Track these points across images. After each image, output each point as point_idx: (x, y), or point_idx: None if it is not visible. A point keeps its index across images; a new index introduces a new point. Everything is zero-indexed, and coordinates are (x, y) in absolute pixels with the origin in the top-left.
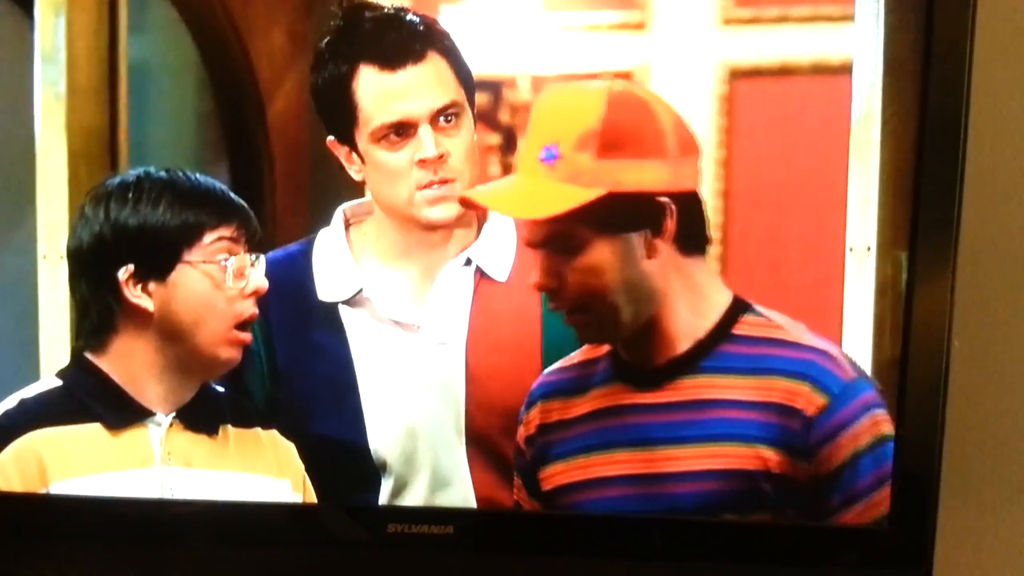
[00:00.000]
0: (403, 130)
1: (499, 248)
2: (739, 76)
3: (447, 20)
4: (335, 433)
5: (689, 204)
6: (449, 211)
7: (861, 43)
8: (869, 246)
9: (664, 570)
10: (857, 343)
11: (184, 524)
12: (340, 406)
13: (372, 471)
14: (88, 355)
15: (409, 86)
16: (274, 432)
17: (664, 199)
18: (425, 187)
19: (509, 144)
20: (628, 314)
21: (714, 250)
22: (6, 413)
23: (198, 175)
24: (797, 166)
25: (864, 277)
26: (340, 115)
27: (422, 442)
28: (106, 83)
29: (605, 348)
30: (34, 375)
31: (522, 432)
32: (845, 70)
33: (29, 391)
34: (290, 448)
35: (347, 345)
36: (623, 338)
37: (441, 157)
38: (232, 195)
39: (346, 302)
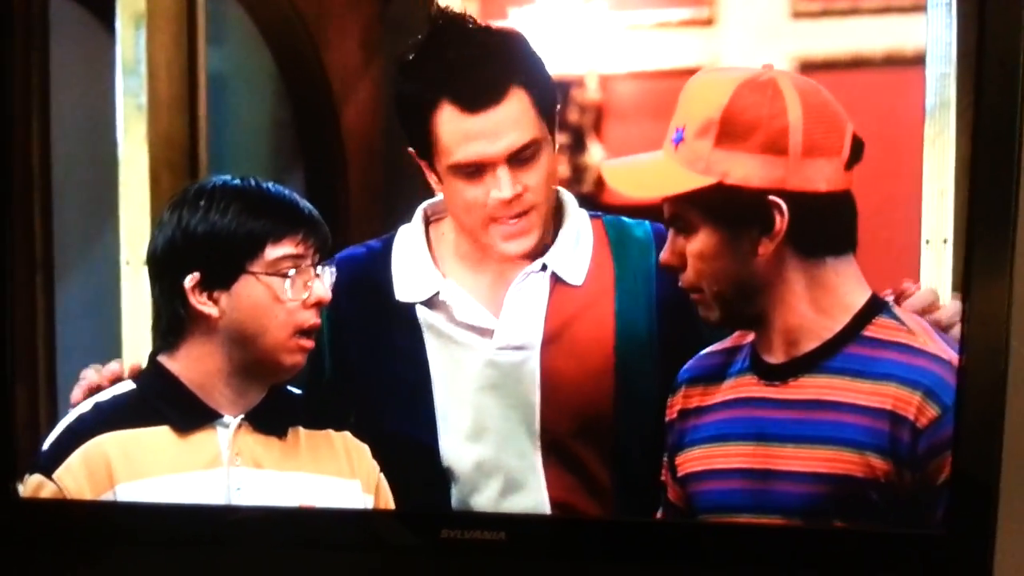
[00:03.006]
0: (481, 169)
1: (575, 252)
2: (811, 69)
3: (519, 23)
4: (406, 434)
5: (815, 205)
6: (524, 245)
7: (933, 33)
8: (946, 238)
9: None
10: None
11: (240, 528)
12: (412, 407)
13: (440, 474)
14: (161, 358)
15: (488, 129)
16: (347, 434)
17: (774, 198)
18: (500, 222)
19: (578, 144)
20: (738, 304)
21: None
22: (80, 416)
23: (271, 185)
24: (871, 158)
25: (941, 270)
26: (420, 138)
27: (495, 447)
28: (186, 94)
29: (750, 336)
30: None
31: (667, 415)
32: (918, 61)
33: (105, 394)
34: (363, 449)
35: (423, 346)
36: (746, 328)
37: (518, 196)
38: (302, 206)
39: (423, 303)
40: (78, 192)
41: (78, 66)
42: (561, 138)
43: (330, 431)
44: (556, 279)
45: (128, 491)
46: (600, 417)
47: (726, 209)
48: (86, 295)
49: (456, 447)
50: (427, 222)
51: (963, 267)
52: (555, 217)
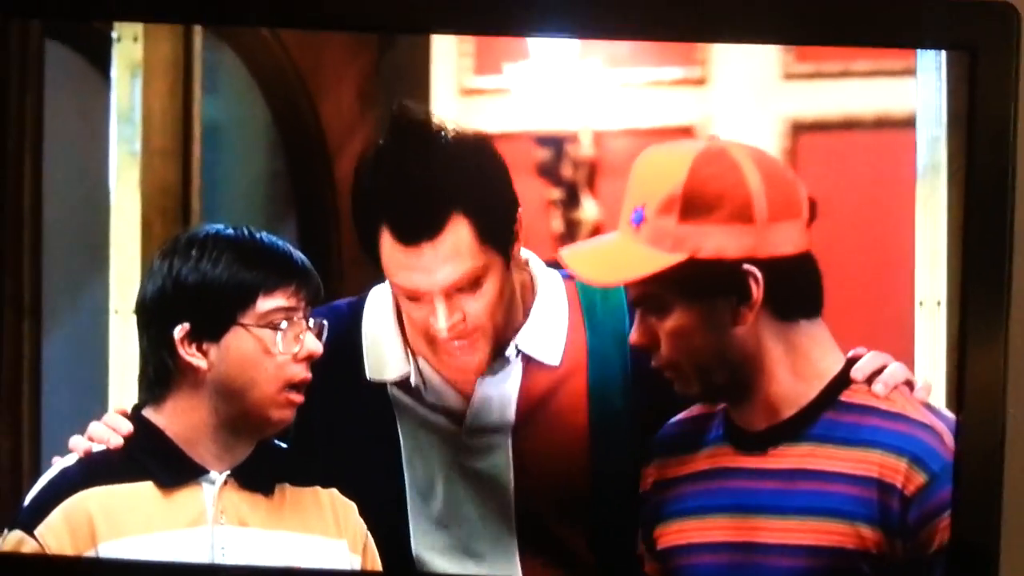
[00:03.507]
0: (418, 296)
1: (549, 332)
2: (802, 130)
3: (509, 78)
4: (373, 517)
5: (785, 269)
6: (467, 364)
7: (924, 96)
8: (939, 300)
9: None
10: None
11: None
12: (382, 488)
13: (411, 561)
14: (146, 411)
15: (423, 264)
16: (334, 491)
17: (749, 267)
18: (443, 343)
19: (572, 199)
20: (720, 377)
21: None
22: (63, 471)
23: (264, 235)
24: (863, 219)
25: (936, 331)
26: (368, 247)
27: (468, 533)
28: (180, 143)
29: (721, 404)
30: None
31: (640, 487)
32: (909, 123)
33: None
34: (350, 507)
35: (395, 425)
36: (726, 400)
37: (453, 327)
38: (295, 256)
39: (393, 383)
40: (68, 238)
41: (72, 112)
42: (555, 193)
43: (317, 488)
44: (528, 359)
45: (110, 550)
46: (577, 495)
47: (700, 284)
48: (74, 343)
49: (428, 533)
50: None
51: (957, 332)
52: (527, 295)
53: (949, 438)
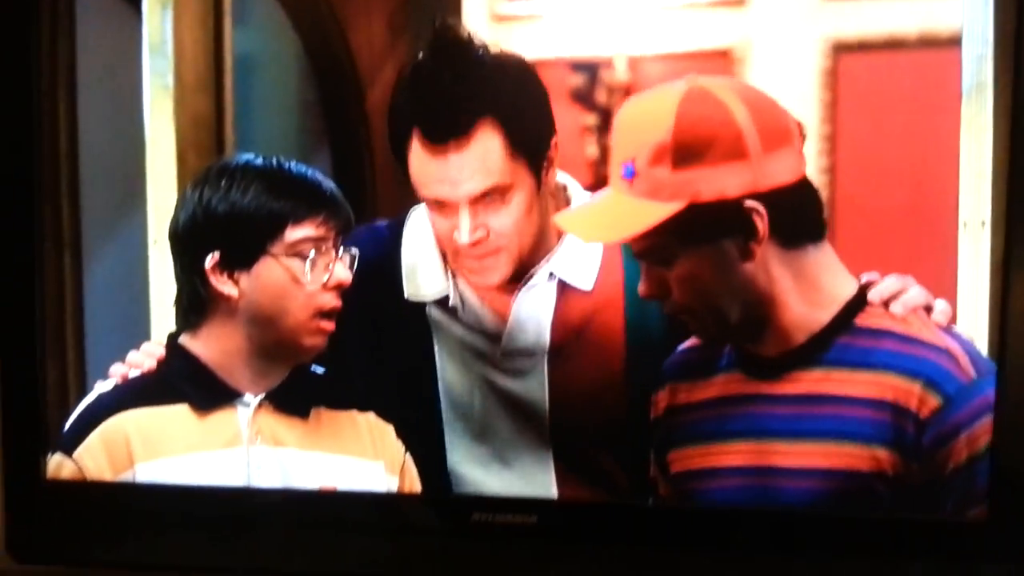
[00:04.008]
0: (445, 206)
1: (582, 258)
2: (843, 50)
3: (542, 3)
4: (409, 429)
5: (787, 197)
6: (492, 278)
7: (969, 13)
8: (984, 220)
9: (751, 562)
10: (972, 322)
11: (264, 510)
12: (417, 403)
13: (446, 470)
14: (182, 338)
15: (449, 172)
16: (371, 414)
17: (750, 202)
18: (466, 256)
19: (606, 124)
20: (735, 315)
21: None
22: (100, 396)
23: (293, 164)
24: (907, 141)
25: (979, 253)
26: (401, 160)
27: (503, 445)
28: (212, 74)
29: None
30: None
31: (652, 412)
32: (954, 42)
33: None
34: (387, 429)
35: (431, 343)
36: (742, 340)
37: (478, 243)
38: (325, 186)
39: (432, 303)
40: (105, 172)
41: (104, 47)
42: (590, 119)
43: (354, 411)
44: (564, 285)
45: (147, 470)
46: (612, 421)
47: (704, 227)
48: (114, 274)
49: (463, 446)
50: None
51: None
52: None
53: (965, 360)
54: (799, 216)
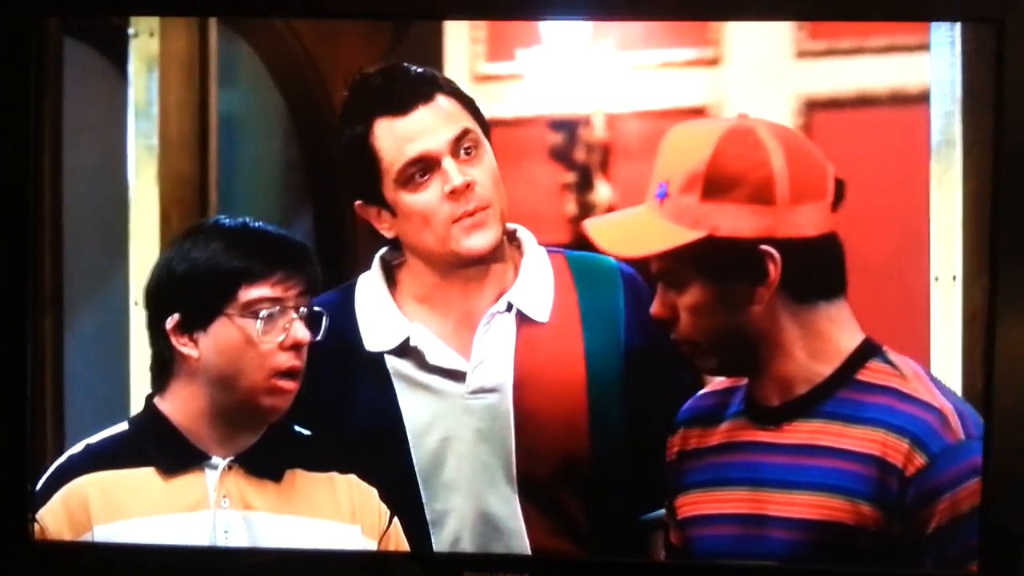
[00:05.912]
0: (427, 167)
1: (538, 288)
2: (816, 107)
3: (522, 63)
4: (383, 487)
5: (806, 250)
6: (486, 238)
7: (938, 72)
8: (955, 275)
9: None
10: (946, 374)
11: (243, 570)
12: (387, 460)
13: (423, 524)
14: (155, 399)
15: (423, 124)
16: (352, 477)
17: (766, 247)
18: (459, 219)
19: (585, 182)
20: (734, 354)
21: None
22: (70, 457)
23: (258, 224)
24: (878, 196)
25: (951, 306)
26: (363, 172)
27: (475, 495)
28: (197, 135)
29: (744, 379)
30: (125, 419)
31: (667, 456)
32: (923, 99)
33: (97, 436)
34: (369, 493)
35: (394, 396)
36: (742, 375)
37: (468, 186)
38: (287, 245)
39: (392, 352)
40: (89, 232)
41: (91, 108)
42: (569, 177)
43: (333, 474)
44: (522, 317)
45: (106, 532)
46: (577, 458)
47: (718, 262)
48: (95, 334)
49: (437, 497)
50: (386, 268)
51: (987, 305)
52: (516, 254)
53: (956, 420)
54: (817, 270)
